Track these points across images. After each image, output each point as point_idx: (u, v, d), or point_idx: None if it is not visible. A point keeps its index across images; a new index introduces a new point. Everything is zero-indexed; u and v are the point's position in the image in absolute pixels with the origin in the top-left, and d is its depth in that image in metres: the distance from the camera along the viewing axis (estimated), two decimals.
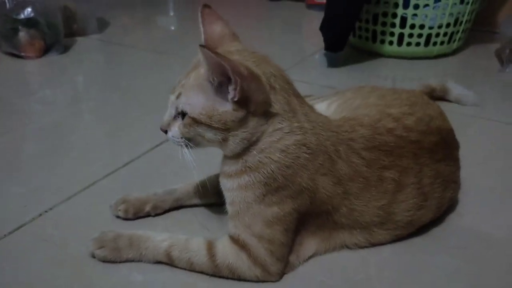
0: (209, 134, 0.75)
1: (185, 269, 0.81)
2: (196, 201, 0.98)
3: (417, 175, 0.85)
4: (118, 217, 0.95)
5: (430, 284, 0.81)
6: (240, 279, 0.79)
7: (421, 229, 0.90)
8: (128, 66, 1.91)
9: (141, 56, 2.04)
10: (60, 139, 1.29)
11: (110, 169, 1.13)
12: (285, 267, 0.81)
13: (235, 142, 0.75)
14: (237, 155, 0.77)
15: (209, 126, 0.74)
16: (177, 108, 0.77)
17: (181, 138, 0.78)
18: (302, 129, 0.77)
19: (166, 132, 0.80)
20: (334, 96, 1.16)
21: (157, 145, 1.24)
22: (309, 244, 0.84)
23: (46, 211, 0.98)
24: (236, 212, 0.78)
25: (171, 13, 3.06)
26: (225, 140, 0.75)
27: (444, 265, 0.84)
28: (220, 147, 0.78)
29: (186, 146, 0.79)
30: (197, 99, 0.74)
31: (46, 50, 1.94)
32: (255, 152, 0.76)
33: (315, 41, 2.07)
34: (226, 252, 0.79)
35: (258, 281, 0.79)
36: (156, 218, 0.96)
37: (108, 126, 1.38)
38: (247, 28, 2.26)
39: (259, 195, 0.76)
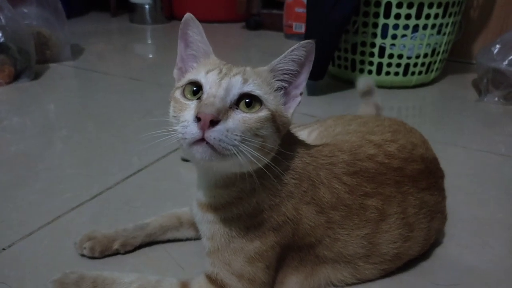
0: (271, 140, 0.68)
1: None
2: (169, 235, 0.92)
3: (401, 204, 0.81)
4: (83, 255, 0.87)
5: None
6: None
7: (409, 264, 0.86)
8: (102, 93, 1.85)
9: (115, 83, 1.98)
10: (26, 169, 1.21)
11: (77, 202, 1.05)
12: None
13: (273, 149, 0.69)
14: (231, 183, 0.71)
15: (274, 124, 0.68)
16: (242, 94, 0.65)
17: (240, 136, 0.62)
18: (290, 152, 0.73)
19: (212, 123, 0.60)
20: (315, 124, 1.13)
21: (129, 176, 1.18)
22: (292, 282, 0.78)
23: (4, 249, 0.89)
24: (216, 247, 0.72)
25: (149, 41, 3.03)
26: (270, 150, 0.68)
27: None
28: (255, 159, 0.65)
29: (235, 153, 0.62)
30: (268, 92, 0.69)
31: (16, 76, 1.86)
32: (254, 177, 0.68)
33: None
34: None
35: None
36: (126, 255, 0.88)
37: (79, 155, 1.30)
38: (225, 55, 2.22)
39: (242, 229, 0.70)
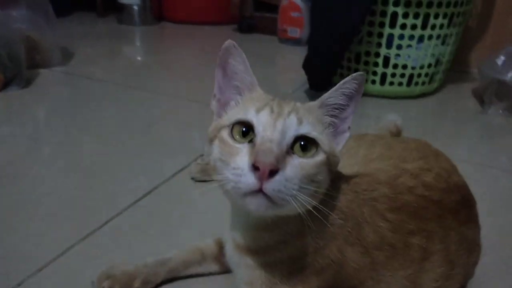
0: (325, 183, 0.64)
1: None
2: (192, 270, 0.86)
3: (443, 240, 0.77)
4: None
5: None
6: None
7: None
8: (96, 102, 1.76)
9: (110, 90, 1.89)
10: (22, 192, 1.12)
11: (86, 231, 0.98)
12: None
13: (322, 190, 0.64)
14: (275, 225, 0.65)
15: (330, 172, 0.64)
16: (298, 136, 0.59)
17: (297, 185, 0.57)
18: (334, 190, 0.68)
19: (271, 173, 0.54)
20: None
21: (138, 199, 1.11)
22: None
23: None
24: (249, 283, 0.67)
25: (137, 43, 2.94)
26: (318, 191, 0.62)
27: None
28: (315, 198, 0.61)
29: (292, 201, 0.56)
30: (321, 132, 0.64)
31: (6, 84, 1.76)
32: (302, 219, 0.62)
33: (291, 77, 2.02)
34: None
35: None
36: None
37: (79, 176, 1.22)
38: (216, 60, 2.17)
39: (285, 274, 0.65)
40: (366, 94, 1.93)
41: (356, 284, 0.71)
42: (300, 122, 0.61)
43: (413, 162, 0.86)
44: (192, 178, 1.20)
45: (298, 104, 0.66)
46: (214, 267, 0.86)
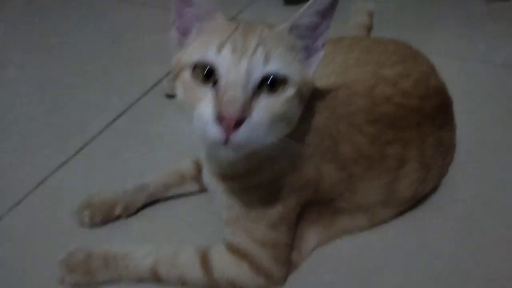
0: (297, 114, 0.60)
1: (175, 285, 0.70)
2: (172, 192, 0.86)
3: (420, 146, 0.77)
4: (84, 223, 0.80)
5: (441, 268, 0.76)
6: None
7: (420, 199, 0.85)
8: (55, 15, 1.61)
9: (71, 1, 1.74)
10: None
11: (60, 159, 0.96)
12: (289, 269, 0.73)
13: (295, 120, 0.61)
14: (251, 154, 0.61)
15: (302, 100, 0.60)
16: (266, 77, 0.55)
17: (266, 127, 0.55)
18: (308, 111, 0.66)
19: (238, 123, 0.52)
20: None
21: (112, 121, 1.07)
22: (310, 236, 0.76)
23: None
24: (235, 217, 0.68)
25: None
26: (292, 120, 0.61)
27: (451, 242, 0.80)
28: (289, 127, 0.61)
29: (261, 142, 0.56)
30: (293, 60, 0.58)
31: None
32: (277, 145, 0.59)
33: None
34: (224, 264, 0.69)
35: None
36: (129, 219, 0.83)
37: (46, 99, 1.16)
38: None
39: (264, 196, 0.65)
40: None
41: (333, 197, 0.73)
42: (267, 58, 0.55)
43: (392, 67, 0.83)
44: (166, 94, 1.15)
45: (266, 30, 0.58)
46: (194, 187, 0.86)
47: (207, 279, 0.69)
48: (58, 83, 1.23)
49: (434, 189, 0.87)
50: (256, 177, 0.65)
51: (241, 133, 0.52)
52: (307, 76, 0.62)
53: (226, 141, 0.52)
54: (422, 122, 0.77)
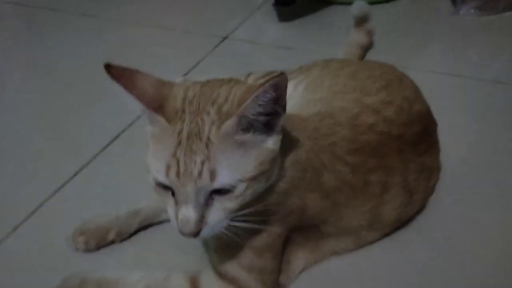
0: (261, 184, 0.62)
1: None
2: (164, 216, 0.87)
3: (403, 173, 0.80)
4: (78, 249, 0.83)
5: (425, 285, 0.78)
6: None
7: (406, 220, 0.87)
8: (51, 36, 1.64)
9: (65, 21, 1.76)
10: None
11: (56, 184, 0.98)
12: None
13: (275, 174, 0.64)
14: None
15: (263, 173, 0.60)
16: (211, 190, 0.58)
17: (227, 219, 0.61)
18: (292, 143, 0.69)
19: (197, 233, 0.59)
20: (300, 75, 1.06)
21: (107, 145, 1.10)
22: (297, 259, 0.78)
23: None
24: (222, 245, 0.70)
25: None
26: (269, 179, 0.63)
27: (436, 262, 0.82)
28: (261, 192, 0.64)
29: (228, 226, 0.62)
30: (241, 156, 0.58)
31: None
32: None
33: None
34: None
35: None
36: (123, 244, 0.85)
37: (41, 124, 1.19)
38: None
39: (249, 230, 0.67)
40: (333, 2, 1.85)
41: (318, 223, 0.75)
42: (213, 176, 0.57)
43: (376, 94, 0.85)
44: None
45: (213, 131, 0.57)
46: None
47: None
48: (55, 106, 1.25)
49: (419, 210, 0.89)
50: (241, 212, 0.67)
51: (204, 234, 0.60)
52: (269, 148, 0.61)
53: (195, 236, 0.60)
54: (404, 149, 0.79)
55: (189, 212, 0.58)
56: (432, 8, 1.87)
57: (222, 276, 0.71)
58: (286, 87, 0.58)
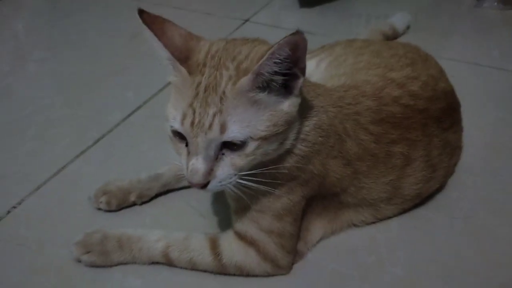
0: (274, 145, 0.62)
1: (186, 268, 0.74)
2: (184, 183, 0.89)
3: (426, 147, 0.80)
4: (99, 209, 0.84)
5: (443, 264, 0.78)
6: (248, 275, 0.73)
7: (426, 197, 0.87)
8: (77, 13, 1.67)
9: (90, 0, 1.79)
10: (11, 112, 1.12)
11: (79, 149, 1.00)
12: (294, 258, 0.75)
13: (292, 138, 0.64)
14: None
15: (276, 135, 0.60)
16: (224, 144, 0.59)
17: (234, 175, 0.61)
18: (316, 108, 0.69)
19: (205, 185, 0.61)
20: (322, 53, 1.06)
21: (129, 115, 1.12)
22: (316, 228, 0.79)
23: (14, 207, 0.86)
24: (242, 207, 0.71)
25: None
26: (284, 142, 0.64)
27: (453, 240, 0.82)
28: (274, 154, 0.64)
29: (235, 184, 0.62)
30: (254, 115, 0.58)
31: None
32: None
33: None
34: (233, 250, 0.72)
35: (268, 275, 0.74)
36: (143, 206, 0.86)
37: (66, 92, 1.21)
38: None
39: (271, 187, 0.68)
40: None
41: (338, 191, 0.75)
42: (223, 129, 0.57)
43: (401, 70, 0.85)
44: None
45: (229, 87, 0.58)
46: None
47: (217, 264, 0.72)
48: (77, 78, 1.27)
49: (439, 189, 0.89)
50: (261, 174, 0.66)
51: (211, 187, 0.61)
52: (284, 108, 0.61)
53: (202, 188, 0.61)
54: (428, 123, 0.79)
55: (198, 163, 0.59)
56: (455, 0, 1.85)
57: (241, 237, 0.72)
58: (305, 47, 0.57)
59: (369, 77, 0.84)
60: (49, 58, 1.37)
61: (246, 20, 1.63)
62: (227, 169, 0.60)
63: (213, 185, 0.61)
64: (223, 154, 0.60)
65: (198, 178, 0.59)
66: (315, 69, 1.04)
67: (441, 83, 0.86)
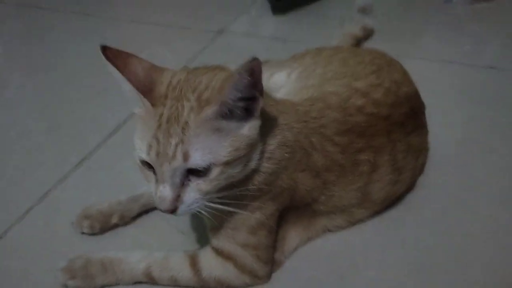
0: (238, 168, 0.64)
1: (168, 286, 0.77)
2: None
3: (391, 152, 0.83)
4: (83, 233, 0.87)
5: (414, 263, 0.81)
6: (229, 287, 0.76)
7: (396, 198, 0.90)
8: (53, 35, 1.69)
9: (66, 20, 1.80)
10: None
11: (60, 174, 1.02)
12: (272, 267, 0.79)
13: (255, 158, 0.67)
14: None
15: (239, 159, 0.64)
16: (189, 170, 0.62)
17: (202, 199, 0.64)
18: (279, 127, 0.72)
19: (174, 210, 0.64)
20: (294, 63, 1.09)
21: (108, 137, 1.14)
22: (291, 236, 0.82)
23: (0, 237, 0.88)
24: (217, 225, 0.74)
25: None
26: (248, 163, 0.67)
27: (424, 238, 0.86)
28: (239, 176, 0.67)
29: (204, 207, 0.66)
30: (216, 142, 0.62)
31: None
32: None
33: None
34: (211, 265, 0.75)
35: (247, 286, 0.77)
36: (126, 227, 0.89)
37: (45, 117, 1.23)
38: None
39: (241, 206, 0.71)
40: None
41: (310, 201, 0.78)
42: (186, 157, 0.60)
43: (365, 78, 0.89)
44: None
45: (192, 116, 0.61)
46: None
47: (197, 279, 0.75)
48: (56, 102, 1.29)
49: (409, 189, 0.93)
50: (231, 192, 0.69)
51: (180, 212, 0.64)
52: (241, 137, 0.63)
53: (172, 213, 0.64)
54: (392, 129, 0.83)
55: (165, 191, 0.62)
56: None
57: (219, 253, 0.75)
58: (261, 70, 0.61)
59: (336, 87, 0.87)
60: (26, 83, 1.39)
61: (222, 31, 1.65)
62: (193, 194, 0.63)
63: (182, 209, 0.64)
64: (189, 180, 0.63)
65: (166, 205, 0.63)
66: (287, 79, 1.07)
67: (404, 87, 0.89)
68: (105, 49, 0.64)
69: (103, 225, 0.87)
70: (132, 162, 1.01)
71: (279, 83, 1.08)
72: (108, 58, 0.63)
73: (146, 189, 0.90)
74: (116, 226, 0.88)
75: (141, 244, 0.85)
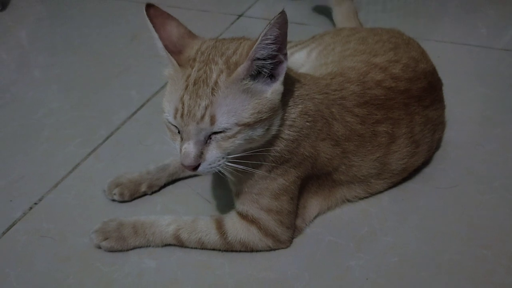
0: (259, 131, 0.68)
1: (195, 248, 0.82)
2: (190, 172, 0.96)
3: (409, 124, 0.86)
4: (114, 200, 0.92)
5: (429, 229, 0.85)
6: (252, 250, 0.81)
7: (413, 171, 0.93)
8: (78, 18, 1.74)
9: (91, 4, 1.86)
10: (24, 117, 1.20)
11: (90, 147, 1.07)
12: (294, 233, 0.83)
13: (276, 124, 0.71)
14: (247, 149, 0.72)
15: (260, 121, 0.67)
16: (212, 132, 0.66)
17: (223, 158, 0.68)
18: (301, 97, 0.76)
19: (196, 167, 0.68)
20: (313, 43, 1.13)
21: (133, 113, 1.19)
22: (312, 205, 0.86)
23: (35, 203, 0.93)
24: (242, 190, 0.78)
25: None
26: (269, 128, 0.70)
27: (439, 207, 0.89)
28: (261, 140, 0.71)
29: (224, 166, 0.69)
30: (241, 103, 0.66)
31: None
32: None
33: None
34: (236, 228, 0.79)
35: (270, 250, 0.81)
36: (154, 195, 0.94)
37: (73, 94, 1.29)
38: None
39: (265, 172, 0.75)
40: None
41: (330, 170, 0.82)
42: (212, 121, 0.65)
43: (384, 54, 0.92)
44: None
45: (222, 77, 0.65)
46: None
47: (223, 242, 0.79)
48: (82, 81, 1.35)
49: (426, 163, 0.96)
50: (256, 160, 0.74)
51: (201, 170, 0.68)
52: (269, 95, 0.68)
53: (194, 170, 0.68)
54: (409, 103, 0.86)
55: (190, 147, 0.67)
56: None
57: (243, 217, 0.79)
58: (287, 24, 0.64)
59: (355, 63, 0.90)
60: (53, 63, 1.45)
61: (241, 15, 1.69)
62: (215, 152, 0.67)
63: (203, 167, 0.68)
64: (210, 138, 0.67)
65: (189, 161, 0.67)
66: (307, 58, 1.11)
67: (422, 64, 0.92)
68: (148, 7, 0.69)
69: (133, 193, 0.92)
70: (158, 135, 1.08)
71: (300, 61, 1.12)
72: (148, 15, 0.69)
73: (173, 159, 0.95)
74: (144, 194, 0.93)
75: (169, 210, 0.90)
